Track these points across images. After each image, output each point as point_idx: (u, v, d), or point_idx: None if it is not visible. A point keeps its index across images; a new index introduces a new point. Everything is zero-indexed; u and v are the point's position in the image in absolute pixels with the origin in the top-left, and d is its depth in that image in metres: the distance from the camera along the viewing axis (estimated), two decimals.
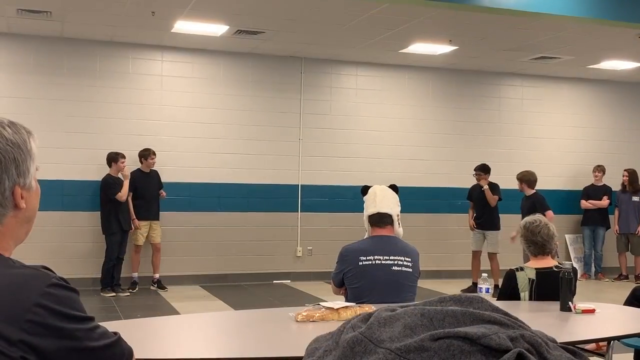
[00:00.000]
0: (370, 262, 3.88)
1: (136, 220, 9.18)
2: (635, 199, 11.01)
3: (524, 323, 1.34)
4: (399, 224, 4.07)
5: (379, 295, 3.79)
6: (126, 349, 1.49)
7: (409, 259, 3.95)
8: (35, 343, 1.31)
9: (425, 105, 11.07)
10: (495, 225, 9.60)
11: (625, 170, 11.14)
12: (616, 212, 11.13)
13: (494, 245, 9.56)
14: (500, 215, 9.70)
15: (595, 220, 11.13)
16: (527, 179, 9.67)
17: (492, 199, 9.55)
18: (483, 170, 9.70)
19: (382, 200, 4.03)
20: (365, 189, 4.20)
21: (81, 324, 1.38)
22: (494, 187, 9.62)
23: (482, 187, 9.59)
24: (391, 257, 3.91)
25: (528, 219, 4.22)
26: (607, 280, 11.08)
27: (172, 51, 9.85)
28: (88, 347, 1.38)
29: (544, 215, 9.03)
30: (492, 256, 9.56)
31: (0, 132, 1.48)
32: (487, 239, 9.59)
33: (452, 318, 1.26)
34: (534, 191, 9.63)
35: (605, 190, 11.16)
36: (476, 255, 9.73)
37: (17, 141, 1.50)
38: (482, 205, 9.63)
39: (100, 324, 1.46)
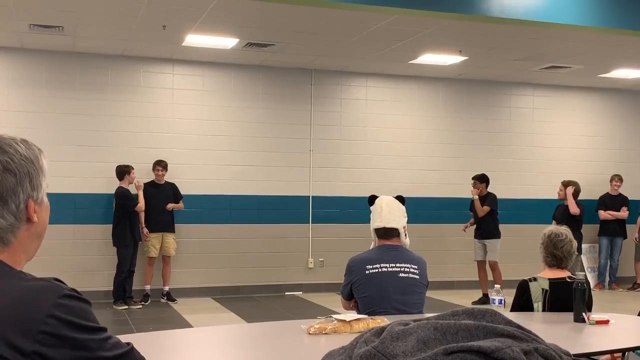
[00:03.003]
0: (377, 270, 3.89)
1: (145, 229, 9.22)
2: None
3: (537, 336, 1.33)
4: (405, 235, 4.08)
5: (387, 303, 3.79)
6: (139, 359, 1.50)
7: (416, 266, 3.96)
8: (48, 354, 1.32)
9: (435, 115, 11.06)
10: (494, 234, 9.60)
11: None
12: (639, 221, 11.03)
13: (493, 253, 9.56)
14: (502, 224, 9.76)
15: (613, 231, 11.04)
16: (575, 189, 9.69)
17: (480, 209, 9.55)
18: (479, 179, 9.71)
19: (388, 214, 4.03)
20: (372, 199, 4.20)
21: (94, 334, 1.39)
22: (486, 197, 9.60)
23: (473, 197, 9.61)
24: (397, 265, 3.92)
25: (554, 229, 4.14)
26: (621, 290, 10.99)
27: (183, 64, 9.91)
28: (101, 358, 1.39)
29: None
30: (493, 265, 9.57)
31: (14, 148, 1.52)
32: (487, 248, 9.59)
33: (466, 332, 1.26)
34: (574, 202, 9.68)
35: (622, 200, 11.08)
36: (481, 265, 9.72)
37: (30, 156, 1.54)
38: (477, 213, 9.65)
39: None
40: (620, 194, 11.16)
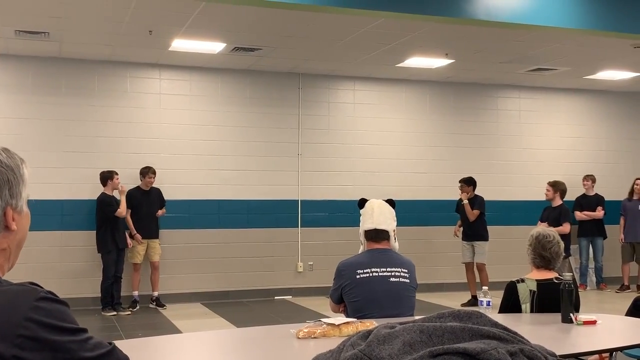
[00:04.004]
0: (367, 275, 3.88)
1: (138, 235, 9.16)
2: None
3: (523, 337, 1.34)
4: (395, 238, 4.07)
5: (378, 308, 3.78)
6: (122, 358, 1.48)
7: (406, 270, 3.95)
8: (28, 358, 1.31)
9: (423, 118, 11.09)
10: (482, 237, 9.63)
11: (637, 179, 10.99)
12: (622, 221, 11.00)
13: (481, 255, 9.59)
14: (490, 226, 9.79)
15: (592, 231, 10.98)
16: (561, 188, 9.73)
17: (471, 213, 9.57)
18: (466, 182, 9.74)
19: (379, 216, 4.02)
20: (362, 202, 4.20)
21: (74, 335, 1.38)
22: (475, 200, 9.63)
23: (462, 201, 9.64)
24: (388, 269, 3.91)
25: (541, 231, 4.16)
26: (609, 290, 11.00)
27: (170, 69, 9.89)
28: (83, 358, 1.37)
29: (563, 226, 9.23)
30: (480, 267, 9.61)
31: None
32: (476, 250, 9.62)
33: (451, 334, 1.27)
34: (561, 202, 9.70)
35: (598, 200, 11.04)
36: (469, 267, 9.74)
37: (11, 165, 1.53)
38: (467, 217, 9.68)
39: None
40: (596, 193, 11.11)
